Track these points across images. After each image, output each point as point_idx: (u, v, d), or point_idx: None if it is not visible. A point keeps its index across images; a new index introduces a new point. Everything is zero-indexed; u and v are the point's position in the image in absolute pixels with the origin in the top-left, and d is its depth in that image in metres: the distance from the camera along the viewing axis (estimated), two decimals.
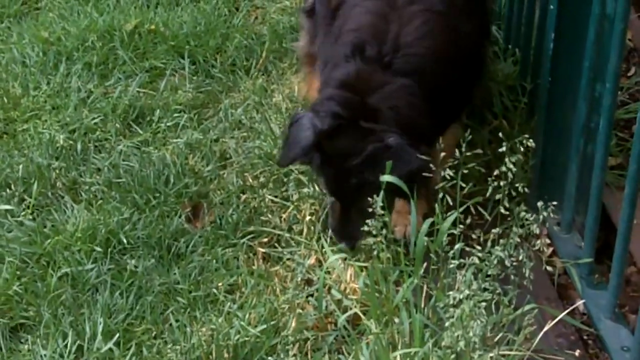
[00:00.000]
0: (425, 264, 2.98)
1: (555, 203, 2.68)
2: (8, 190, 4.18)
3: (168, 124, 4.56)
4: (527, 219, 2.59)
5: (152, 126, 4.57)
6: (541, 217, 2.61)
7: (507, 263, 2.62)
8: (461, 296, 2.55)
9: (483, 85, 4.13)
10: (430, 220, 2.93)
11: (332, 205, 3.55)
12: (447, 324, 2.61)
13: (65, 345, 3.43)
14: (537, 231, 2.63)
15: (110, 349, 3.40)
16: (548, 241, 3.63)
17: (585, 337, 3.46)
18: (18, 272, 3.75)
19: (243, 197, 4.11)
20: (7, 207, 4.08)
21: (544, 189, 3.69)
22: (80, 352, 3.43)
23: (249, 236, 3.89)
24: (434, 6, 3.59)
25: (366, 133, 3.33)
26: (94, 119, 4.58)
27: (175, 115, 4.61)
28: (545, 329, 2.78)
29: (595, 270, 3.60)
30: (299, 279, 3.55)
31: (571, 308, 3.10)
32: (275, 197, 4.03)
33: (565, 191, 3.67)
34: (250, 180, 4.15)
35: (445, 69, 3.58)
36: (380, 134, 3.31)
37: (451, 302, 2.67)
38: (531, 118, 4.10)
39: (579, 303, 3.35)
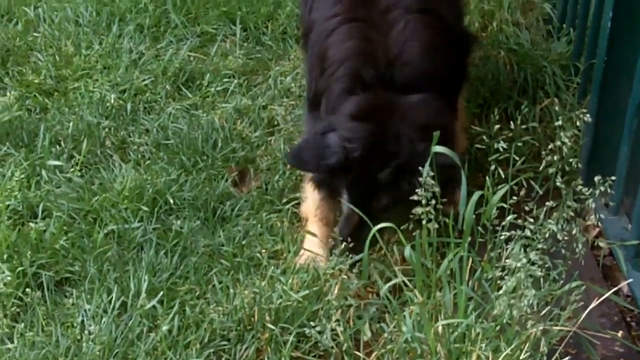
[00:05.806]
0: (469, 238, 2.97)
1: (613, 178, 2.65)
2: (58, 146, 4.23)
3: (217, 89, 4.59)
4: (582, 193, 2.57)
5: (201, 90, 4.61)
6: (598, 191, 2.59)
7: (559, 237, 2.61)
8: (518, 264, 2.53)
9: (472, 55, 4.04)
10: (479, 192, 2.92)
11: (349, 215, 3.48)
12: (499, 292, 2.60)
13: (110, 301, 3.46)
14: (593, 205, 2.60)
15: (154, 307, 3.42)
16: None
17: (628, 319, 3.45)
18: (65, 227, 3.79)
19: None
20: (57, 163, 4.12)
21: (594, 170, 3.66)
22: (123, 308, 3.46)
23: (294, 202, 3.90)
24: (411, 6, 3.50)
25: (392, 156, 3.29)
26: (144, 80, 4.63)
27: (225, 80, 4.65)
28: (591, 306, 2.76)
29: None
30: (343, 246, 3.55)
31: (617, 288, 3.07)
32: None
33: (616, 172, 3.64)
34: None
35: (441, 58, 3.50)
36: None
37: (499, 273, 2.65)
38: (583, 98, 4.07)
39: (624, 284, 3.32)
